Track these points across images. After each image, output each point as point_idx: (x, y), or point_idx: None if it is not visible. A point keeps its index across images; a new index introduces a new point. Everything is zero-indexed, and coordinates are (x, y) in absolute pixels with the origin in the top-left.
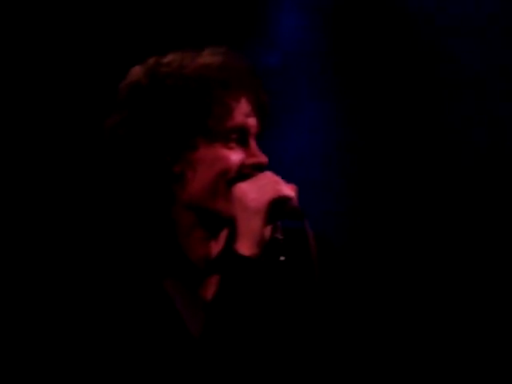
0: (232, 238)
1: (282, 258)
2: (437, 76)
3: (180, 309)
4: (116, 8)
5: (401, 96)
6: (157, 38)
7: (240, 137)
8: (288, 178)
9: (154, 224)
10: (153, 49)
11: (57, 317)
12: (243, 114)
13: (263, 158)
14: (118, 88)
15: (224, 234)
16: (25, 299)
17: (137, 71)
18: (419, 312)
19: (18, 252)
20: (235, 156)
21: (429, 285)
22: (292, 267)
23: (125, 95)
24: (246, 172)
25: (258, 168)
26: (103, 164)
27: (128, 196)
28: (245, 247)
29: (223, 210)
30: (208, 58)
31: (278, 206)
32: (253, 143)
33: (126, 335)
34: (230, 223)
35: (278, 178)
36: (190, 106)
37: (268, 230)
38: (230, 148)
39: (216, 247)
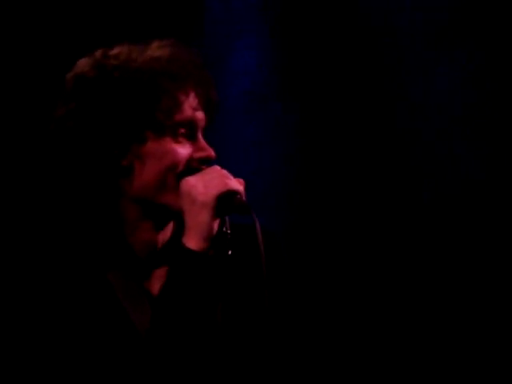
0: (179, 231)
1: (230, 253)
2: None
3: (124, 303)
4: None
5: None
6: (102, 31)
7: (188, 131)
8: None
9: (99, 216)
10: (97, 41)
11: None
12: (192, 107)
13: (211, 152)
14: (65, 80)
15: (170, 227)
16: None
17: (83, 63)
18: (363, 310)
19: None
20: (184, 150)
21: (375, 284)
22: (239, 262)
23: (71, 87)
24: (194, 166)
25: (207, 162)
26: (49, 156)
27: (74, 188)
28: (192, 241)
29: (172, 204)
30: (156, 50)
31: (226, 200)
32: (201, 137)
33: (68, 330)
34: (178, 216)
35: (226, 172)
36: (138, 99)
37: (216, 224)
38: (179, 142)
39: (162, 240)
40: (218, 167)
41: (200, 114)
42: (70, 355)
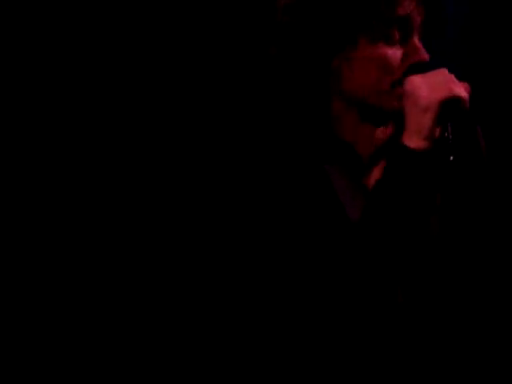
0: (399, 131)
1: (451, 159)
2: None
3: (341, 197)
4: None
5: None
6: None
7: (403, 32)
8: None
9: (317, 114)
10: None
11: (216, 202)
12: (409, 6)
13: (424, 55)
14: None
15: (391, 126)
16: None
17: None
18: None
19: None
20: (396, 53)
21: None
22: (460, 170)
23: None
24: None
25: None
26: (267, 57)
27: (289, 89)
28: (412, 141)
29: (386, 106)
30: None
31: (449, 105)
32: (415, 39)
33: (284, 216)
34: (396, 117)
35: (452, 77)
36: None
37: (437, 129)
38: (391, 44)
39: (382, 138)
40: (445, 70)
41: (417, 16)
42: (282, 240)
